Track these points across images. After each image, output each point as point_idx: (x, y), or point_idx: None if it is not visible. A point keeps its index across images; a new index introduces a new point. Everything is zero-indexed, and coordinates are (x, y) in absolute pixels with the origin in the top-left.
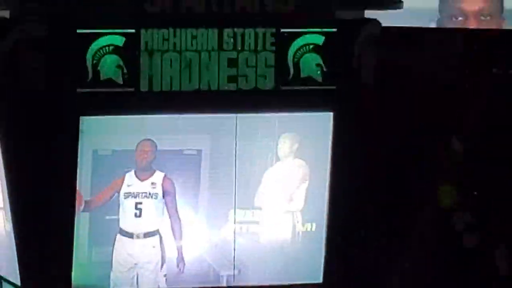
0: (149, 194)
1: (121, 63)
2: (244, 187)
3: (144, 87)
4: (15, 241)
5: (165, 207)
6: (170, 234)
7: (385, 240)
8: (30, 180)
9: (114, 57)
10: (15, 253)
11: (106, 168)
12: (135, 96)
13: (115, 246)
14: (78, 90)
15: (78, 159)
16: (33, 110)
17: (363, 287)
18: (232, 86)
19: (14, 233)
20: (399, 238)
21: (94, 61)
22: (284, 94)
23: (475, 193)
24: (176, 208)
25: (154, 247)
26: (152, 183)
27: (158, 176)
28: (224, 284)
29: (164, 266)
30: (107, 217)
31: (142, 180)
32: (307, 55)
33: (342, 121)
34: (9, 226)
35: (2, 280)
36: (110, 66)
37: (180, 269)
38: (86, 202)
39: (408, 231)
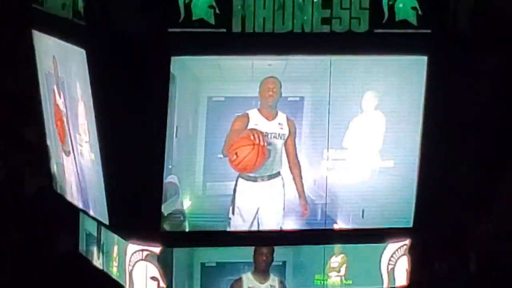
0: (278, 135)
1: (214, 3)
2: (335, 130)
3: (236, 28)
4: (104, 180)
5: (288, 148)
6: (290, 176)
7: (474, 186)
8: (124, 117)
9: None
10: (104, 193)
11: (220, 114)
12: (227, 37)
13: (237, 190)
14: (170, 30)
15: (193, 104)
16: (126, 50)
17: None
18: (325, 28)
19: (103, 172)
20: (491, 182)
21: (186, 1)
22: (378, 37)
23: None
24: (296, 150)
25: (277, 189)
26: (279, 124)
27: (282, 117)
28: (319, 211)
29: (285, 208)
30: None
31: (269, 120)
32: None
33: (436, 65)
34: (97, 163)
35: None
36: (202, 7)
37: (304, 211)
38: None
39: (499, 176)
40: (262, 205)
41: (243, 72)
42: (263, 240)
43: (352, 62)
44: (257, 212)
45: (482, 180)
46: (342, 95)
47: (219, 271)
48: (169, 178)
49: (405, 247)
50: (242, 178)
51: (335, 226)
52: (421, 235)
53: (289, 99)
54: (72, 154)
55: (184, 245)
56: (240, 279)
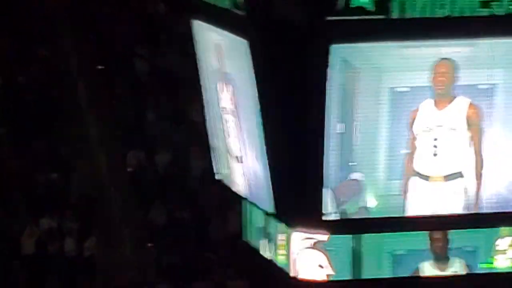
0: (450, 126)
1: None
2: None
3: (395, 14)
4: (270, 169)
5: (469, 142)
6: (472, 175)
7: None
8: (286, 108)
9: None
10: (269, 180)
11: (403, 104)
12: (386, 23)
13: (408, 189)
14: (328, 18)
15: (374, 96)
16: (285, 39)
17: None
18: (485, 12)
19: (268, 160)
20: None
21: None
22: None
23: None
24: (481, 143)
25: (455, 192)
26: (454, 112)
27: (461, 103)
28: None
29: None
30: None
31: (440, 109)
32: None
33: None
34: (260, 154)
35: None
36: None
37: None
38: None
39: None
40: (436, 210)
41: (426, 60)
42: (434, 225)
43: None
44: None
45: None
46: None
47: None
48: (354, 176)
49: None
50: (415, 175)
51: None
52: None
53: (478, 86)
54: (244, 159)
55: (349, 232)
56: (418, 269)
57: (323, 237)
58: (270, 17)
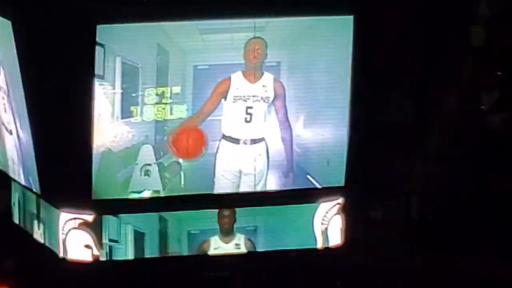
0: (261, 98)
1: None
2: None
3: None
4: (34, 149)
5: (273, 113)
6: (276, 142)
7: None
8: (50, 86)
9: None
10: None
11: (205, 81)
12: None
13: (218, 152)
14: None
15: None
16: (52, 20)
17: None
18: None
19: (32, 141)
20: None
21: None
22: None
23: None
24: (287, 114)
25: (260, 155)
26: (263, 86)
27: (268, 78)
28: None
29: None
30: (209, 118)
31: (252, 83)
32: None
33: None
34: (25, 134)
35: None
36: None
37: (290, 178)
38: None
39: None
40: (243, 170)
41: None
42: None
43: None
44: (237, 175)
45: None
46: None
47: None
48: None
49: (338, 206)
50: (224, 139)
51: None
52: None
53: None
54: (15, 132)
55: (118, 212)
56: (207, 241)
57: (89, 217)
58: None
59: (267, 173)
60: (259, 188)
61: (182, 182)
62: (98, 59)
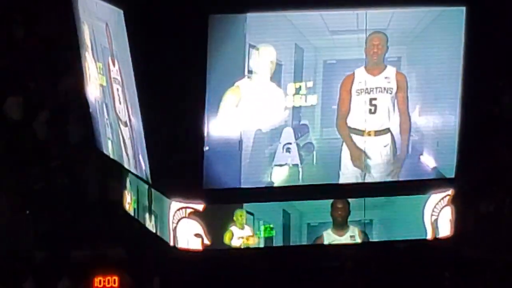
0: (384, 88)
1: None
2: None
3: None
4: (145, 138)
5: (396, 104)
6: (397, 133)
7: None
8: (163, 82)
9: None
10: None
11: (333, 74)
12: None
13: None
14: None
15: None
16: (161, 9)
17: None
18: None
19: (143, 130)
20: None
21: None
22: None
23: None
24: (408, 105)
25: (385, 146)
26: (386, 77)
27: (390, 71)
28: None
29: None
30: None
31: (375, 76)
32: None
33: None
34: (137, 124)
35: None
36: None
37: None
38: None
39: None
40: (370, 161)
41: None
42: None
43: None
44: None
45: None
46: None
47: None
48: None
49: (448, 197)
50: (350, 131)
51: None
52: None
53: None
54: (128, 123)
55: (227, 202)
56: (321, 236)
57: (199, 206)
58: None
59: (393, 164)
60: (384, 179)
61: (315, 160)
62: (253, 59)
